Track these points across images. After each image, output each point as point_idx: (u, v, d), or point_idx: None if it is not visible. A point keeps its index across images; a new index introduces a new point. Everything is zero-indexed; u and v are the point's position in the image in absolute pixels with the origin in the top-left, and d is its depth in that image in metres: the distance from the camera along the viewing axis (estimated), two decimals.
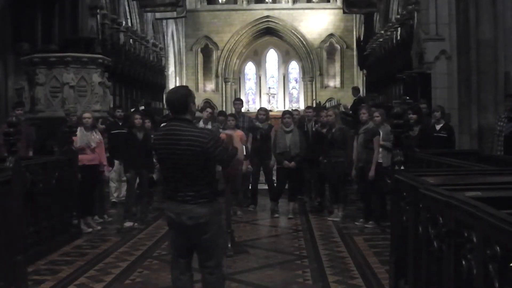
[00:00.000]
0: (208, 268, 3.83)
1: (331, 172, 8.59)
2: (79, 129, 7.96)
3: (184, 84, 31.42)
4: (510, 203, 2.95)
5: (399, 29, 17.09)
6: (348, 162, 8.35)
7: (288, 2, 32.07)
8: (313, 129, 9.96)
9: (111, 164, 9.30)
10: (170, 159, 3.73)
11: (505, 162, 6.70)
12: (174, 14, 23.68)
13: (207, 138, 3.68)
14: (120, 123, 9.99)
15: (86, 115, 8.22)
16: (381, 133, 8.01)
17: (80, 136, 7.94)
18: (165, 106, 23.31)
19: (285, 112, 9.43)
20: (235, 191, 8.85)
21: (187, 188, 3.73)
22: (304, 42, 31.99)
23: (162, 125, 4.02)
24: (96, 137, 8.19)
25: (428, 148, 7.90)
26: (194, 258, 3.95)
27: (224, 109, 28.92)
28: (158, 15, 24.32)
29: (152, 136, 4.28)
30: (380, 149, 7.95)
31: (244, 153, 7.03)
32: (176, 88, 4.18)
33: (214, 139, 3.72)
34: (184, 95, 3.79)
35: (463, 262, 2.85)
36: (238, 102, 10.71)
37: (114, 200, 9.90)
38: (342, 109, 14.63)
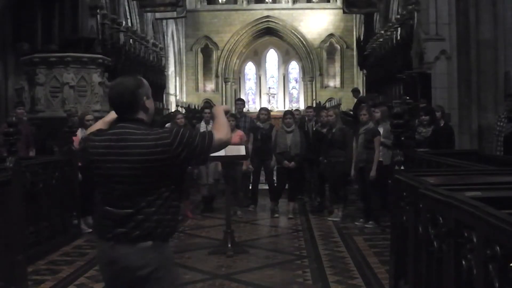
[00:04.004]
0: None
1: (331, 172, 8.59)
2: (80, 130, 7.96)
3: (184, 84, 31.45)
4: (510, 203, 2.95)
5: (399, 29, 17.09)
6: (348, 162, 8.35)
7: (288, 2, 32.07)
8: (313, 128, 9.97)
9: None
10: (111, 175, 2.57)
11: (505, 162, 6.70)
12: (174, 14, 23.69)
13: (169, 137, 2.53)
14: None
15: (89, 117, 8.22)
16: (382, 130, 8.00)
17: (80, 138, 7.94)
18: (166, 106, 23.37)
19: (287, 113, 9.42)
20: (235, 191, 8.86)
21: (128, 219, 2.53)
22: (304, 42, 31.99)
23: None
24: None
25: (443, 148, 7.93)
26: None
27: None
28: (158, 15, 24.33)
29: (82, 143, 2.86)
30: (380, 147, 7.95)
31: (245, 153, 7.03)
32: (119, 79, 2.72)
33: (179, 134, 2.54)
34: (130, 87, 2.63)
35: (463, 262, 2.84)
36: (240, 102, 10.69)
37: None
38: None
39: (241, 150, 6.97)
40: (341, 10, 25.25)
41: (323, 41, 31.78)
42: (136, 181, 2.54)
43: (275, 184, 9.29)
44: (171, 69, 28.36)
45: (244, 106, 10.89)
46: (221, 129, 2.67)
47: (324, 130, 9.14)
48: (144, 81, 2.71)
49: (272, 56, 34.13)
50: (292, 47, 32.70)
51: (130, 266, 2.51)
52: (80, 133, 7.96)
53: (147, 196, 2.53)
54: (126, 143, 2.55)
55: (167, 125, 10.18)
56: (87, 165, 2.70)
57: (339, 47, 31.79)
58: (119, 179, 2.55)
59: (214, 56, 32.38)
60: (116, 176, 2.56)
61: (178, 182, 2.65)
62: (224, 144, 2.68)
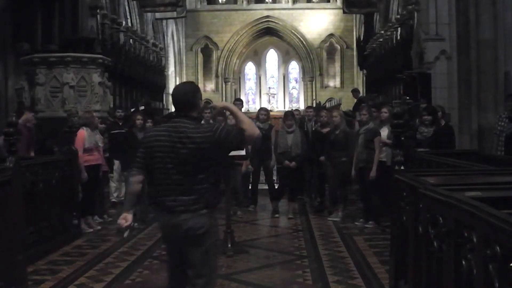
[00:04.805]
0: (196, 286, 3.41)
1: (333, 174, 8.58)
2: (85, 129, 7.96)
3: None
4: (510, 203, 2.95)
5: (399, 29, 17.09)
6: (350, 162, 8.33)
7: (288, 2, 32.06)
8: (313, 128, 9.97)
9: (110, 164, 9.31)
10: (169, 159, 3.32)
11: (505, 162, 6.70)
12: (174, 14, 23.69)
13: (212, 131, 3.31)
14: (120, 123, 9.99)
15: (96, 115, 8.26)
16: (387, 130, 7.98)
17: (88, 137, 7.95)
18: (166, 106, 23.37)
19: (287, 114, 9.38)
20: (235, 191, 8.86)
21: (184, 195, 3.32)
22: (304, 42, 31.98)
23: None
24: (100, 136, 8.29)
25: (445, 148, 7.91)
26: None
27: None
28: (158, 15, 24.32)
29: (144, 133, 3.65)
30: (384, 147, 7.93)
31: (244, 153, 7.02)
32: (181, 84, 3.78)
33: (219, 129, 3.33)
34: (189, 91, 3.47)
35: (463, 262, 2.84)
36: (238, 102, 10.72)
37: (114, 200, 9.90)
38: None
39: (241, 150, 6.97)
40: (341, 10, 25.23)
41: (323, 41, 31.77)
42: (189, 163, 3.29)
43: (277, 184, 9.28)
44: (171, 69, 28.35)
45: (242, 106, 10.92)
46: (249, 125, 3.38)
47: (324, 130, 9.14)
48: (199, 88, 3.60)
49: (272, 56, 34.12)
50: (292, 47, 32.69)
51: (192, 228, 3.33)
52: (86, 132, 7.96)
53: (198, 175, 3.31)
54: (182, 134, 3.31)
55: None
56: (147, 151, 3.44)
57: (339, 47, 31.78)
58: (177, 161, 3.30)
59: (214, 56, 32.37)
60: (174, 160, 3.31)
61: (220, 164, 3.45)
62: (254, 138, 3.42)
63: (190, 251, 3.38)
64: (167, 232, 3.47)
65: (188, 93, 3.45)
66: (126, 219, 3.49)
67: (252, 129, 3.37)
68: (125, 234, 3.64)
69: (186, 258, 3.41)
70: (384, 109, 8.26)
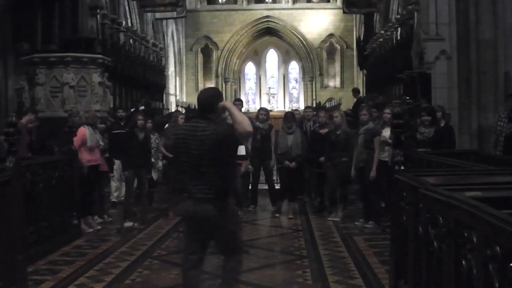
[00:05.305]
0: (228, 254, 4.10)
1: (333, 174, 8.57)
2: (87, 128, 7.97)
3: (184, 84, 31.48)
4: (510, 203, 2.95)
5: (399, 29, 17.08)
6: (350, 162, 8.32)
7: (288, 2, 32.05)
8: (311, 128, 9.96)
9: (110, 164, 9.32)
10: (187, 155, 3.86)
11: (505, 162, 6.70)
12: (174, 14, 23.69)
13: (227, 130, 3.85)
14: (122, 123, 10.00)
15: (98, 114, 8.28)
16: (389, 131, 7.96)
17: (90, 136, 7.96)
18: (166, 106, 23.37)
19: (287, 116, 9.37)
20: (234, 191, 8.84)
21: (202, 185, 3.84)
22: (304, 42, 31.98)
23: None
24: (100, 136, 8.33)
25: (445, 148, 7.90)
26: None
27: None
28: (158, 15, 24.32)
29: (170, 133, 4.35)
30: (386, 147, 7.93)
31: (244, 153, 7.03)
32: (207, 89, 4.41)
33: (220, 125, 3.91)
34: (212, 95, 4.01)
35: (463, 262, 2.84)
36: (238, 102, 10.68)
37: (114, 200, 9.90)
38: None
39: (241, 150, 6.98)
40: (341, 10, 25.23)
41: (323, 41, 31.77)
42: (209, 157, 3.79)
43: (277, 185, 9.28)
44: (171, 69, 28.35)
45: (242, 107, 10.90)
46: (240, 122, 3.77)
47: (322, 131, 9.14)
48: (221, 93, 4.15)
49: (272, 56, 34.12)
50: (292, 47, 32.68)
51: (212, 215, 3.83)
52: (88, 131, 7.97)
53: (218, 167, 3.82)
54: (196, 133, 3.84)
55: (166, 125, 10.20)
56: (174, 148, 4.08)
57: (339, 47, 31.78)
58: (193, 156, 3.82)
59: (214, 56, 32.37)
60: (191, 155, 3.83)
61: (234, 157, 4.13)
62: (245, 135, 3.89)
63: (215, 231, 3.94)
64: (190, 217, 3.96)
65: (211, 97, 3.96)
66: None
67: (242, 127, 3.76)
68: None
69: (212, 236, 4.02)
70: (387, 110, 8.26)
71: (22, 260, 5.07)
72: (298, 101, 33.11)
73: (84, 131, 7.89)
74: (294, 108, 20.07)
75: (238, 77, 33.38)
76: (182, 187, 4.02)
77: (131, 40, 19.66)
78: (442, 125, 8.63)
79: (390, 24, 18.56)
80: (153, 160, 9.09)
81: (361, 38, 24.69)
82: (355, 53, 28.30)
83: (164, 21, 26.20)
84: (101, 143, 8.26)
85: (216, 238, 4.06)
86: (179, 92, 30.16)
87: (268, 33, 32.66)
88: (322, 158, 9.02)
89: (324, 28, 31.56)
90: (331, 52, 32.00)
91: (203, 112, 3.92)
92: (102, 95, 11.09)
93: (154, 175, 9.32)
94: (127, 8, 21.00)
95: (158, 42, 24.44)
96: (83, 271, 5.82)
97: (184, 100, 29.34)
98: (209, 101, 3.91)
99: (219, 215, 3.84)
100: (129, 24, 20.67)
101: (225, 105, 3.94)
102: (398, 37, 17.04)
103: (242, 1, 32.05)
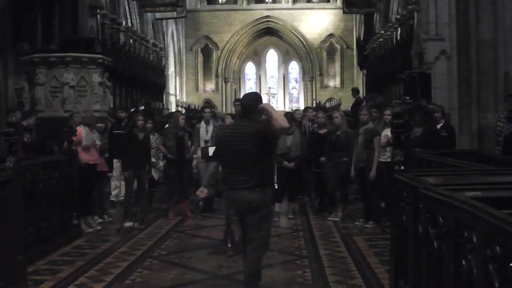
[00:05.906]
0: (252, 244, 4.48)
1: (332, 175, 8.56)
2: (83, 127, 7.98)
3: (184, 84, 31.50)
4: (510, 203, 2.95)
5: (399, 29, 17.09)
6: (351, 162, 8.31)
7: (288, 2, 32.08)
8: (310, 129, 9.96)
9: (110, 164, 9.32)
10: (232, 150, 4.37)
11: (505, 162, 6.70)
12: (174, 14, 23.70)
13: (265, 127, 4.34)
14: (123, 124, 10.00)
15: (96, 115, 8.28)
16: (389, 131, 7.96)
17: (86, 135, 7.98)
18: (166, 106, 23.36)
19: (286, 117, 9.34)
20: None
21: (243, 176, 4.34)
22: (304, 42, 32.00)
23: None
24: (97, 135, 8.33)
25: (432, 149, 7.89)
26: None
27: (224, 109, 28.96)
28: (158, 15, 24.33)
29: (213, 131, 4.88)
30: (388, 148, 7.92)
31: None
32: (248, 93, 4.94)
33: (261, 123, 4.41)
34: (253, 99, 4.55)
35: (463, 262, 2.84)
36: (238, 103, 10.69)
37: (113, 199, 9.91)
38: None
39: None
40: (341, 10, 25.26)
41: (323, 41, 31.79)
42: (250, 152, 4.29)
43: (276, 185, 9.24)
44: (171, 69, 28.36)
45: None
46: (279, 120, 4.31)
47: (322, 131, 9.13)
48: (261, 97, 4.68)
49: (272, 56, 34.14)
50: (292, 47, 32.71)
51: (250, 202, 4.35)
52: (84, 131, 7.97)
53: (257, 161, 4.32)
54: (245, 131, 4.35)
55: (166, 125, 10.21)
56: (220, 144, 4.55)
57: (339, 47, 31.80)
58: (237, 151, 4.33)
59: (214, 56, 32.39)
60: (235, 150, 4.34)
61: (271, 152, 4.60)
62: (284, 130, 4.52)
63: (250, 217, 4.41)
64: (233, 204, 4.55)
65: (252, 101, 4.50)
66: (202, 192, 4.69)
67: (278, 123, 4.29)
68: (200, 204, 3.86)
69: (247, 222, 4.45)
70: (387, 111, 8.25)
71: (22, 260, 5.07)
72: (298, 101, 33.13)
73: (79, 131, 7.90)
74: (295, 108, 20.05)
75: (238, 77, 33.41)
76: (226, 179, 4.50)
77: (131, 40, 19.67)
78: (441, 124, 8.63)
79: (390, 24, 18.57)
80: (153, 160, 9.09)
81: (361, 38, 24.71)
82: (355, 53, 28.32)
83: (164, 21, 26.22)
84: (98, 142, 8.24)
85: (248, 224, 4.45)
86: (179, 92, 30.17)
87: (268, 33, 32.69)
88: (322, 158, 9.02)
89: (324, 28, 31.58)
90: (331, 52, 32.02)
91: (246, 113, 4.49)
92: (102, 95, 11.08)
93: (155, 175, 9.32)
94: (127, 8, 21.01)
95: (158, 42, 24.45)
96: (83, 271, 5.82)
97: (184, 100, 29.36)
98: (251, 104, 4.45)
99: (258, 199, 4.33)
100: (129, 24, 20.68)
101: (263, 106, 4.46)
102: (398, 37, 17.05)
103: (242, 1, 32.07)
